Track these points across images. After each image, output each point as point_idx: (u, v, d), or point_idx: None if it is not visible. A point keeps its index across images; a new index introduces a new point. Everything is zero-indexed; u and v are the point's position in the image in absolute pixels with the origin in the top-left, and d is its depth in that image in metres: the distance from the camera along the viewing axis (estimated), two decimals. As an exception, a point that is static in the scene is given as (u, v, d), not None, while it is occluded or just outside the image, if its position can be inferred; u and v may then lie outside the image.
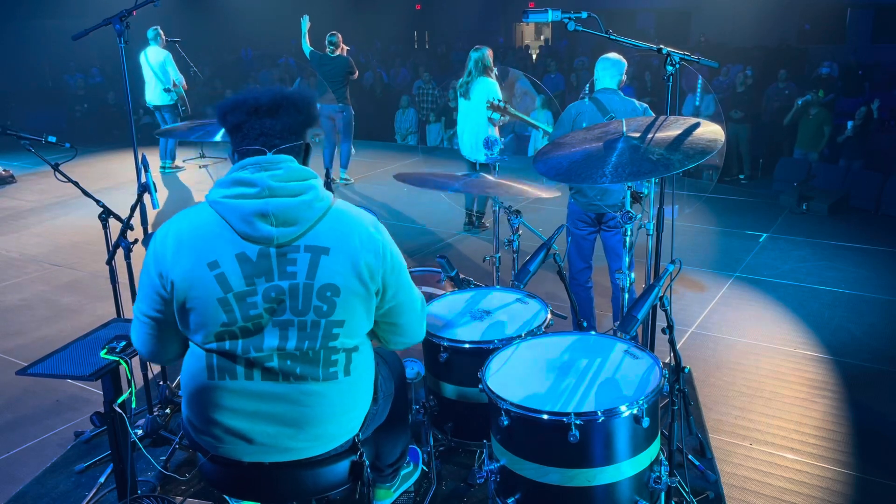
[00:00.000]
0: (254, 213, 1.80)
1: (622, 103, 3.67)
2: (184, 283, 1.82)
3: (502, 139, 3.51)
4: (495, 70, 6.10)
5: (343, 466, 2.03)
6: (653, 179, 2.96)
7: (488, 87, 5.91)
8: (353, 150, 8.45)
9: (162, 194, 7.82)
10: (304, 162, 1.97)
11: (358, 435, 2.05)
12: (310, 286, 1.84)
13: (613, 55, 3.76)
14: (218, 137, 3.17)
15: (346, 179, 8.36)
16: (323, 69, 7.89)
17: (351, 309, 1.90)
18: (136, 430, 3.24)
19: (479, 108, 5.91)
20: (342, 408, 1.97)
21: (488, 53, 5.99)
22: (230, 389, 1.90)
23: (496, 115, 5.88)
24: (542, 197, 3.00)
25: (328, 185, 3.36)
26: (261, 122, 1.88)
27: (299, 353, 1.89)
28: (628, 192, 2.84)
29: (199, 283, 1.82)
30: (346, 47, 8.07)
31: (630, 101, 3.69)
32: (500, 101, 5.29)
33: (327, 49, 7.90)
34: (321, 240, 1.85)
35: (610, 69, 3.75)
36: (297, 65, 14.92)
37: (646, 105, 3.68)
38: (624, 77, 3.78)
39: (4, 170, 8.97)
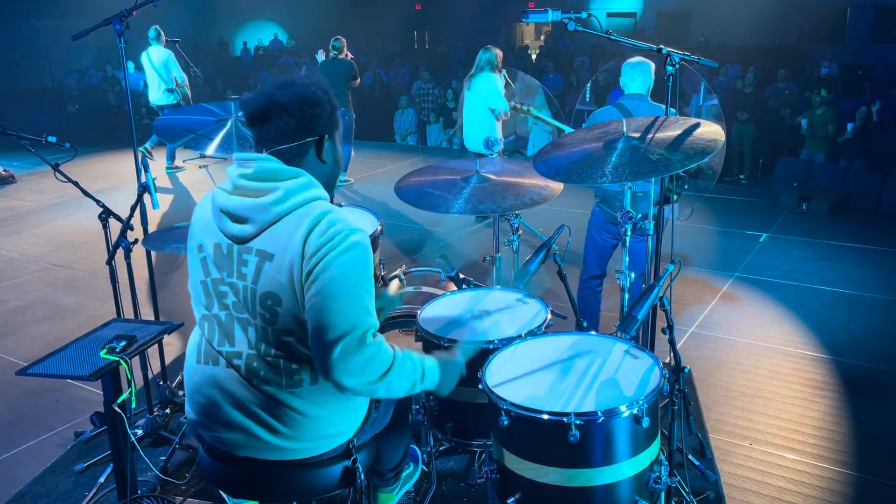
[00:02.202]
0: (219, 207, 1.87)
1: (650, 109, 3.50)
2: (189, 257, 1.97)
3: (502, 140, 3.51)
4: (504, 72, 6.25)
5: (335, 471, 2.02)
6: (653, 180, 2.96)
7: (487, 82, 6.07)
8: (352, 153, 8.51)
9: (162, 194, 7.81)
10: (319, 155, 1.93)
11: (352, 441, 2.04)
12: (254, 291, 1.84)
13: (640, 58, 3.59)
14: (210, 150, 3.14)
15: (345, 181, 8.40)
16: (325, 73, 7.95)
17: (297, 320, 1.82)
18: (135, 431, 3.24)
19: (479, 100, 6.11)
20: (312, 418, 1.93)
21: (496, 54, 6.22)
22: (214, 375, 1.95)
23: (499, 111, 5.96)
24: (547, 191, 2.98)
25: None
26: (256, 129, 1.92)
27: (260, 356, 1.89)
28: (628, 192, 2.84)
29: (192, 261, 1.96)
30: (349, 54, 8.14)
31: (658, 107, 3.51)
32: (521, 103, 5.34)
33: (331, 53, 7.99)
34: (270, 245, 1.82)
35: (637, 73, 3.57)
36: (298, 65, 14.92)
37: (674, 110, 3.53)
38: (653, 81, 3.57)
39: (4, 170, 8.97)
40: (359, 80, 8.18)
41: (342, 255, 1.77)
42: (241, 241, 1.85)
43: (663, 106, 3.52)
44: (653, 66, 3.62)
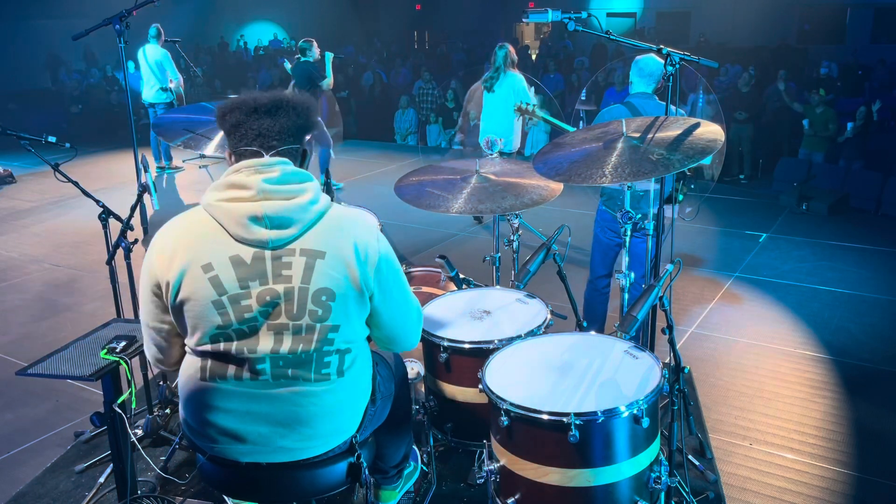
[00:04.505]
0: (247, 215, 1.81)
1: (657, 108, 3.49)
2: (179, 285, 1.83)
3: (518, 139, 3.47)
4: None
5: (340, 468, 2.03)
6: (653, 179, 2.96)
7: (515, 82, 6.09)
8: (331, 154, 8.30)
9: (161, 194, 7.82)
10: (301, 167, 1.98)
11: (355, 436, 2.04)
12: (305, 290, 1.84)
13: (647, 56, 3.57)
14: (210, 150, 3.14)
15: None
16: (294, 75, 7.91)
17: (346, 314, 1.89)
18: (135, 431, 3.25)
19: (505, 101, 6.08)
20: (335, 408, 1.96)
21: (511, 49, 6.24)
22: (222, 390, 1.90)
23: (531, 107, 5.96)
24: (547, 191, 2.98)
25: (328, 187, 3.36)
26: (259, 122, 1.88)
27: (292, 356, 1.88)
28: (628, 192, 2.84)
29: (194, 285, 1.82)
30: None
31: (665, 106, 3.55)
32: (527, 104, 5.35)
33: (296, 55, 7.89)
34: (317, 243, 1.85)
35: (642, 71, 3.57)
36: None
37: (683, 111, 3.43)
38: (661, 81, 3.52)
39: (4, 170, 8.97)
40: (326, 79, 7.80)
41: (387, 248, 1.97)
42: (279, 244, 1.83)
43: (671, 106, 3.53)
44: (659, 62, 3.54)
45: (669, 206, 2.98)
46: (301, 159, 1.98)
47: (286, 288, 1.83)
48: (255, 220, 1.80)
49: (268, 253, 1.83)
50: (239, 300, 1.83)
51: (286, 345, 1.86)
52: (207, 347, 1.88)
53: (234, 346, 1.87)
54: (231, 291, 1.82)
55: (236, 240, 1.82)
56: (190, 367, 1.95)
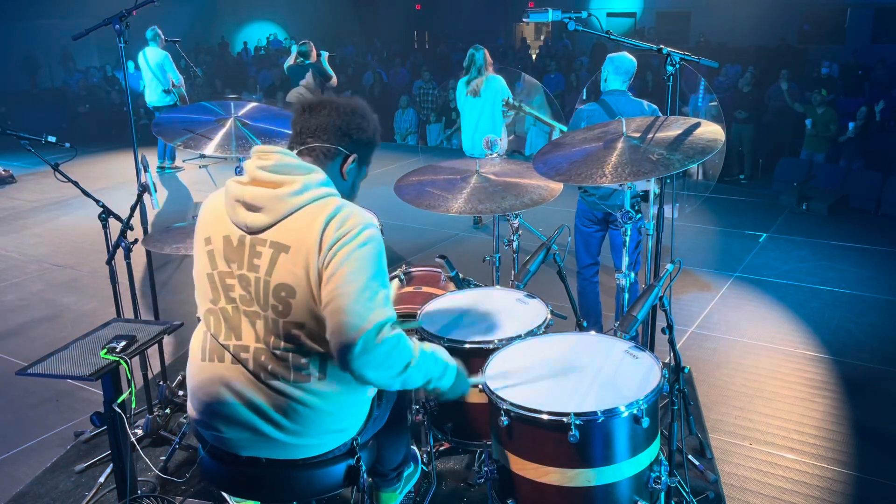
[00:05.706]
0: (235, 197, 1.88)
1: (630, 105, 3.59)
2: (194, 252, 1.97)
3: (506, 141, 3.52)
4: None
5: (339, 469, 2.02)
6: (652, 179, 2.96)
7: (498, 83, 6.04)
8: None
9: (161, 194, 7.81)
10: (341, 169, 1.99)
11: (356, 439, 2.04)
12: (268, 283, 1.85)
13: (622, 54, 3.65)
14: (210, 150, 3.14)
15: None
16: (292, 77, 7.96)
17: (310, 312, 1.83)
18: (135, 431, 3.25)
19: (492, 104, 6.03)
20: (323, 410, 1.93)
21: (486, 51, 6.16)
22: (219, 372, 1.93)
23: (509, 113, 5.95)
24: (547, 191, 2.98)
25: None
26: (303, 120, 1.98)
27: (268, 349, 1.88)
28: (628, 192, 2.84)
29: (197, 254, 1.95)
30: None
31: (638, 103, 3.61)
32: (514, 99, 5.32)
33: (297, 59, 7.94)
34: (285, 237, 1.84)
35: (618, 69, 3.64)
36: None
37: (655, 107, 3.57)
38: (632, 76, 3.66)
39: (4, 170, 8.97)
40: (332, 79, 7.91)
41: (358, 248, 1.79)
42: (255, 231, 1.85)
43: (643, 101, 3.60)
44: (634, 61, 3.67)
45: (666, 206, 3.00)
46: (342, 161, 1.99)
47: (255, 277, 1.86)
48: (240, 202, 1.87)
49: (248, 239, 1.87)
50: (225, 278, 1.89)
51: (261, 336, 1.88)
52: (205, 322, 1.96)
53: (222, 328, 1.92)
54: (220, 268, 1.90)
55: (231, 220, 1.89)
56: (195, 347, 2.00)
